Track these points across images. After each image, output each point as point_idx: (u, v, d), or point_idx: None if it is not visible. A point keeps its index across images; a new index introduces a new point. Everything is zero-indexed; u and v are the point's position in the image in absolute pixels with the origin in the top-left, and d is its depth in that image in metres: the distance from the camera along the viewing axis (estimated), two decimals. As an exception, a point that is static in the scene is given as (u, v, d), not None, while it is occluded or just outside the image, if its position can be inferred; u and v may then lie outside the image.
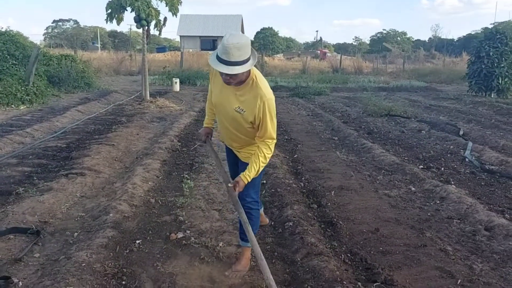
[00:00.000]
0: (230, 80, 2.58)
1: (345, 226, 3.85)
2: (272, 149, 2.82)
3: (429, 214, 4.26)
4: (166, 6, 11.53)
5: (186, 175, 5.33)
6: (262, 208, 3.67)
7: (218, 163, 3.24)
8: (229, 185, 2.82)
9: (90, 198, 4.60)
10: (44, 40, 65.70)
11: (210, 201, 4.50)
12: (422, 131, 8.60)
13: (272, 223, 3.95)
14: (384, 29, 78.46)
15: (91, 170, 5.52)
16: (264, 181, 5.19)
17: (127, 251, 3.30)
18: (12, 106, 10.94)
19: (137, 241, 3.46)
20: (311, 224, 3.82)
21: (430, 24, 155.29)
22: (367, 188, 5.07)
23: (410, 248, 3.49)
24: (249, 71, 2.63)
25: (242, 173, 2.78)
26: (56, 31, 69.12)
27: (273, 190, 4.78)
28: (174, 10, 11.64)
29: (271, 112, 2.71)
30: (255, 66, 2.67)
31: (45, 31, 70.65)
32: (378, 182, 5.34)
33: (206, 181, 5.21)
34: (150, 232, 3.70)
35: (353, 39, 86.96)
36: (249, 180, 2.77)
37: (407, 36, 76.45)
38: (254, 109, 2.67)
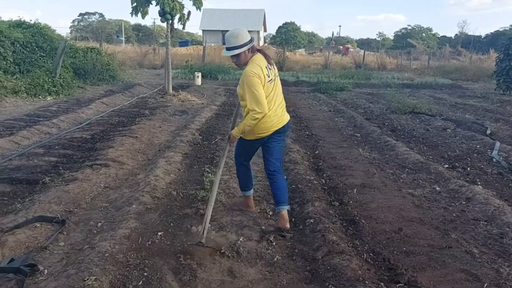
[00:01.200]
0: (236, 61, 3.54)
1: (367, 225, 3.79)
2: (255, 118, 3.40)
3: (454, 215, 4.16)
4: (190, 0, 11.57)
5: (207, 169, 5.35)
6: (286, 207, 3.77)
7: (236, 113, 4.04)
8: (226, 137, 3.79)
9: (113, 189, 4.67)
10: (71, 33, 66.99)
11: (230, 195, 4.51)
12: (448, 130, 8.40)
13: (293, 219, 3.93)
14: (408, 25, 76.85)
15: (115, 161, 5.60)
16: (285, 177, 5.16)
17: (149, 242, 3.34)
18: (40, 97, 11.20)
19: (159, 233, 3.49)
20: (332, 221, 3.78)
21: (456, 20, 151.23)
22: (390, 186, 4.99)
23: (434, 249, 3.41)
24: (248, 55, 3.49)
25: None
26: (82, 24, 70.46)
27: (293, 186, 4.75)
28: (198, 4, 11.66)
29: (248, 85, 3.37)
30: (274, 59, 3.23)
31: (72, 24, 72.15)
32: (401, 180, 5.24)
33: (226, 175, 5.22)
34: (171, 224, 3.73)
35: (377, 34, 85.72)
36: (235, 134, 3.59)
37: (433, 32, 74.83)
38: (242, 83, 3.44)
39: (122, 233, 3.33)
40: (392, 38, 79.17)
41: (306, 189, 4.57)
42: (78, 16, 71.46)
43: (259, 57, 3.52)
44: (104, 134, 7.38)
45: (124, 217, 3.71)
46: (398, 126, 8.82)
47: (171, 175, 5.08)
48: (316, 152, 6.57)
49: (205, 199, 4.32)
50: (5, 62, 11.39)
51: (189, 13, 11.95)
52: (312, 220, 3.73)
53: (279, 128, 3.62)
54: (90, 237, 3.42)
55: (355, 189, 4.77)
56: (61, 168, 5.25)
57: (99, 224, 3.71)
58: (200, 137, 7.35)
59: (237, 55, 3.45)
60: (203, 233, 3.20)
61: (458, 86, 19.70)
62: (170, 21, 11.75)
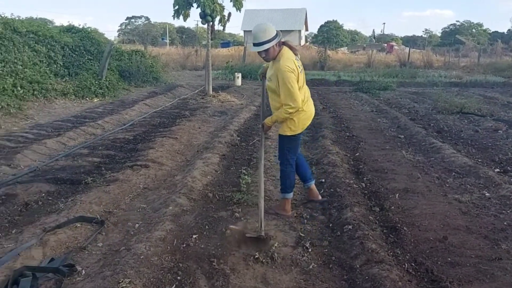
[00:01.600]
0: (265, 56, 3.61)
1: (409, 233, 3.60)
2: (289, 112, 3.59)
3: (505, 223, 3.87)
4: (231, 1, 11.64)
5: (244, 171, 5.31)
6: (313, 182, 4.32)
7: (263, 98, 4.11)
8: (259, 126, 3.91)
9: (152, 190, 4.74)
10: (118, 36, 69.68)
11: (266, 198, 4.43)
12: (499, 131, 7.90)
13: (330, 225, 3.81)
14: (457, 21, 73.87)
15: (155, 162, 5.70)
16: (323, 180, 5.05)
17: (184, 245, 3.33)
18: (87, 98, 11.67)
19: (194, 236, 3.49)
20: (372, 228, 3.62)
21: (509, 14, 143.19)
22: (435, 191, 4.73)
23: (482, 260, 3.18)
24: (277, 49, 3.59)
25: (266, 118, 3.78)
26: (129, 27, 73.04)
27: (332, 190, 4.61)
28: (238, 5, 11.71)
29: (284, 79, 3.50)
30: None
31: (119, 27, 74.99)
32: (447, 185, 4.96)
33: (263, 177, 5.16)
34: (206, 227, 3.72)
35: (423, 31, 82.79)
36: (269, 123, 3.74)
37: (483, 28, 71.28)
38: (275, 77, 3.56)
39: (157, 235, 3.35)
40: (439, 34, 76.19)
41: (345, 193, 4.42)
42: (126, 20, 74.22)
43: (286, 50, 3.65)
44: (146, 135, 7.54)
45: (160, 218, 3.74)
46: (444, 127, 8.40)
47: (208, 177, 5.09)
48: (357, 154, 6.38)
49: (241, 201, 4.29)
50: (55, 66, 11.95)
51: (229, 14, 12.04)
52: (350, 227, 3.59)
53: None
54: (127, 239, 3.47)
55: (397, 194, 4.56)
56: (103, 168, 5.40)
57: (137, 225, 3.76)
58: (238, 138, 7.35)
59: (266, 50, 3.52)
60: (261, 226, 3.37)
61: (511, 84, 18.57)
62: (211, 22, 11.88)
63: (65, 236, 3.40)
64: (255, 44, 3.52)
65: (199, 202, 4.29)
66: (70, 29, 14.32)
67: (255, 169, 5.52)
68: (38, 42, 11.59)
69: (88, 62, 13.26)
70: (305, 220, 3.90)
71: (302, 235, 3.58)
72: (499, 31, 73.72)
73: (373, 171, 5.49)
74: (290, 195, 4.04)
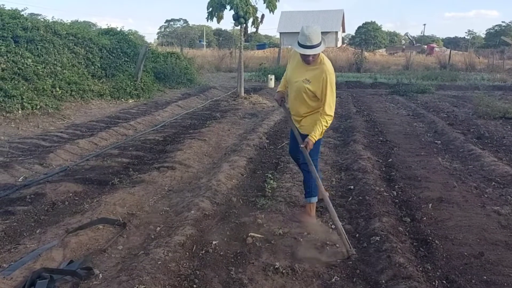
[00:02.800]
0: (310, 59, 3.49)
1: (441, 247, 3.37)
2: (328, 123, 3.55)
3: (550, 240, 3.56)
4: (264, 3, 11.56)
5: (270, 175, 5.20)
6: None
7: (290, 118, 3.97)
8: (301, 145, 3.60)
9: (176, 192, 4.72)
10: (158, 38, 71.40)
11: (291, 204, 4.31)
12: (547, 138, 7.38)
13: (357, 235, 3.63)
14: (503, 21, 70.63)
15: (182, 164, 5.69)
16: (352, 187, 4.86)
17: (203, 251, 3.26)
18: (122, 99, 11.93)
19: (214, 242, 3.41)
20: (401, 240, 3.42)
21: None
22: (473, 202, 4.43)
23: (523, 280, 2.92)
24: (319, 54, 3.52)
25: (309, 134, 3.55)
26: (168, 30, 74.70)
27: (360, 198, 4.42)
28: (271, 7, 11.63)
29: (331, 84, 3.50)
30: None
31: (159, 30, 76.85)
32: (486, 195, 4.65)
33: (289, 182, 5.03)
34: (227, 233, 3.63)
35: (466, 32, 79.65)
36: (315, 139, 3.54)
37: (531, 29, 67.79)
38: (319, 80, 3.50)
39: (177, 240, 3.29)
40: (483, 36, 73.15)
41: (374, 202, 4.22)
42: (165, 22, 75.98)
43: (323, 54, 3.64)
44: (176, 136, 7.58)
45: (182, 223, 3.69)
46: (485, 133, 7.94)
47: (233, 180, 5.02)
48: (389, 161, 6.12)
49: (265, 207, 4.19)
50: (93, 67, 12.28)
51: (262, 16, 11.98)
52: (378, 238, 3.40)
53: None
54: (147, 242, 3.44)
55: (431, 204, 4.30)
56: (131, 169, 5.45)
57: (158, 228, 3.73)
58: (267, 141, 7.25)
59: (316, 54, 3.46)
60: (350, 247, 3.21)
61: (562, 88, 17.45)
62: (244, 24, 11.85)
63: (87, 238, 3.41)
64: (307, 46, 3.39)
65: (222, 206, 4.22)
66: (108, 32, 14.69)
67: (282, 173, 5.41)
68: (77, 44, 11.95)
69: (124, 64, 13.56)
70: (330, 230, 3.74)
71: (328, 243, 3.43)
72: (550, 31, 69.92)
73: (405, 179, 5.24)
74: (316, 199, 3.88)
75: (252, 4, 11.57)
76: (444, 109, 11.32)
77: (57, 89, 9.87)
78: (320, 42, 3.43)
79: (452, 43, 62.04)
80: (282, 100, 4.07)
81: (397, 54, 43.65)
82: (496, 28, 69.82)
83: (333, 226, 3.68)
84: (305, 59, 3.51)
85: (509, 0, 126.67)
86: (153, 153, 6.43)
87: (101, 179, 5.01)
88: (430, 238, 3.49)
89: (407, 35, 66.42)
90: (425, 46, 49.54)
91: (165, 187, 4.84)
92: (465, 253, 3.28)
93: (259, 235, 3.51)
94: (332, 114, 3.54)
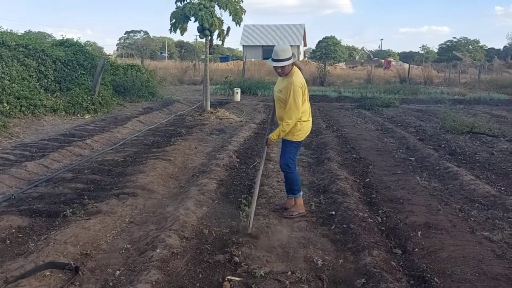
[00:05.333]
0: (279, 71, 4.17)
1: (442, 285, 3.02)
2: (290, 124, 4.13)
3: (549, 270, 3.31)
4: (230, 15, 11.19)
5: (244, 200, 4.75)
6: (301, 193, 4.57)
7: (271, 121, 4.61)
8: (264, 141, 4.39)
9: (138, 225, 4.16)
10: (117, 50, 69.64)
11: (270, 235, 3.87)
12: (517, 154, 7.38)
13: (347, 274, 3.22)
14: (454, 37, 74.24)
15: (144, 189, 5.14)
16: (333, 212, 4.49)
17: (172, 302, 2.75)
18: (78, 115, 11.13)
19: (184, 290, 2.90)
20: (396, 278, 3.05)
21: (504, 31, 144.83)
22: (461, 227, 4.17)
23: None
24: (290, 67, 4.15)
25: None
26: (128, 41, 73.05)
27: (344, 226, 4.04)
28: (237, 19, 11.26)
29: (294, 94, 4.06)
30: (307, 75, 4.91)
31: (118, 41, 75.03)
32: (472, 219, 4.40)
33: (266, 208, 4.61)
34: (200, 276, 3.14)
35: (420, 47, 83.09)
36: (273, 138, 4.23)
37: (480, 45, 71.73)
38: (287, 90, 4.08)
39: (140, 289, 2.77)
40: (436, 50, 76.54)
41: (360, 230, 3.86)
42: (124, 34, 74.28)
43: (297, 69, 4.24)
44: (137, 156, 6.98)
45: (145, 265, 3.16)
46: (457, 149, 7.87)
47: (204, 208, 4.52)
48: (367, 180, 5.83)
49: (241, 241, 3.71)
50: (46, 80, 11.43)
51: (228, 28, 11.58)
52: (371, 280, 3.00)
53: None
54: (104, 292, 2.89)
55: (419, 232, 3.99)
56: (86, 197, 4.82)
57: (117, 272, 3.18)
58: (238, 160, 6.79)
59: (283, 66, 4.10)
60: (249, 225, 3.80)
61: (516, 101, 18.17)
62: (209, 37, 11.42)
63: (29, 290, 2.81)
64: (275, 60, 4.08)
65: (193, 241, 3.71)
66: (63, 43, 13.85)
67: (257, 198, 4.96)
68: (28, 56, 11.09)
69: (81, 76, 12.75)
70: (318, 264, 3.31)
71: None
72: (495, 47, 74.29)
73: (387, 201, 4.93)
74: (301, 193, 4.51)
75: (218, 16, 11.18)
76: (411, 123, 11.32)
77: (5, 104, 9.04)
78: (288, 58, 4.06)
79: (407, 57, 64.38)
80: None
81: (356, 67, 44.71)
82: (448, 43, 73.39)
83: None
84: (276, 71, 4.22)
85: (458, 17, 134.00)
86: (112, 176, 5.81)
87: (50, 210, 4.37)
88: (428, 274, 3.13)
89: (363, 49, 68.49)
90: (383, 60, 51.03)
91: (125, 219, 4.27)
92: (468, 292, 2.95)
93: (237, 278, 3.05)
94: (292, 117, 4.10)
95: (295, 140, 4.31)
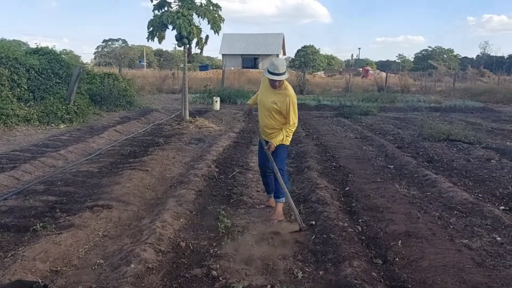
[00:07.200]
0: (277, 84, 4.35)
1: (423, 296, 2.99)
2: (292, 131, 4.49)
3: (528, 277, 3.32)
4: (208, 23, 11.13)
5: (223, 211, 4.65)
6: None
7: (258, 131, 4.81)
8: (265, 147, 4.46)
9: (113, 239, 4.01)
10: (95, 58, 68.66)
11: (248, 247, 3.77)
12: (492, 161, 7.50)
13: (327, 287, 3.15)
14: (429, 46, 76.15)
15: (120, 201, 4.97)
16: (313, 222, 4.43)
17: (146, 321, 2.63)
18: (52, 125, 10.83)
19: (160, 307, 2.78)
20: (378, 290, 3.00)
21: (478, 41, 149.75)
22: (440, 235, 4.17)
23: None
24: (283, 80, 4.39)
25: (272, 139, 4.43)
26: (105, 50, 72.12)
27: (325, 236, 3.98)
28: (216, 27, 11.21)
29: (294, 105, 4.38)
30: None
31: (96, 50, 74.01)
32: (452, 227, 4.41)
33: (244, 219, 4.53)
34: (176, 291, 3.01)
35: (397, 56, 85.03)
36: (277, 143, 4.39)
37: (454, 54, 73.78)
38: (284, 102, 4.36)
39: (113, 308, 2.63)
40: (412, 59, 78.28)
41: (340, 240, 3.81)
42: (102, 42, 73.32)
43: (286, 82, 4.47)
44: (113, 166, 6.80)
45: (119, 281, 3.02)
46: (434, 156, 7.96)
47: (181, 220, 4.39)
48: (347, 189, 5.81)
49: (220, 254, 3.60)
50: (19, 89, 11.07)
51: (207, 37, 11.52)
52: (352, 290, 2.94)
53: None
54: (74, 312, 2.74)
55: (400, 241, 3.96)
56: (58, 210, 4.63)
57: (89, 290, 3.02)
58: (217, 170, 6.68)
59: (281, 80, 4.33)
60: (301, 221, 4.10)
61: (490, 109, 18.67)
62: (188, 45, 11.32)
63: (-9, 312, 2.64)
64: (275, 74, 4.26)
65: (169, 255, 3.58)
66: (37, 51, 13.48)
67: (236, 208, 4.90)
68: (0, 65, 10.74)
69: (56, 85, 12.40)
70: (298, 276, 3.24)
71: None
72: (469, 56, 76.57)
73: (367, 210, 4.91)
74: (284, 199, 4.58)
75: (196, 24, 11.10)
76: (389, 131, 11.44)
77: (-26, 114, 8.68)
78: (285, 72, 4.31)
79: (385, 66, 65.66)
80: (250, 111, 5.09)
81: (335, 76, 45.29)
82: (423, 52, 75.18)
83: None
84: (273, 84, 4.36)
85: (433, 27, 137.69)
86: (86, 188, 5.62)
87: (20, 225, 4.17)
88: (409, 285, 3.10)
89: (351, 57, 69.34)
90: (361, 69, 51.87)
91: (99, 232, 4.11)
92: (450, 303, 2.91)
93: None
94: (295, 125, 4.45)
95: (287, 144, 4.57)
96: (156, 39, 11.17)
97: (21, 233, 4.01)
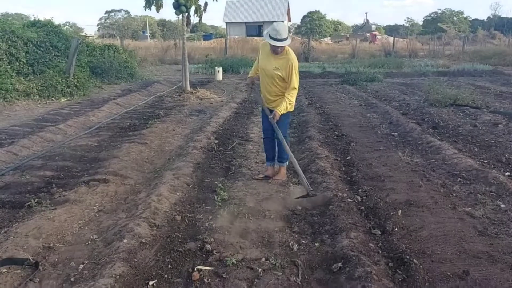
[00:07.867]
0: (278, 50, 4.22)
1: (421, 266, 2.90)
2: (294, 96, 4.38)
3: (531, 245, 3.22)
4: (207, -11, 10.77)
5: (220, 184, 4.57)
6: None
7: (260, 99, 4.73)
8: (270, 117, 4.42)
9: (108, 213, 3.96)
10: (98, 30, 67.75)
11: (244, 220, 3.71)
12: (499, 125, 7.30)
13: (324, 258, 3.08)
14: (438, 9, 74.03)
15: (117, 175, 4.91)
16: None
17: (137, 297, 2.59)
18: (53, 99, 10.74)
19: (151, 282, 2.73)
20: (374, 261, 2.92)
21: (488, 2, 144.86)
22: (442, 203, 4.06)
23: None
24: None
25: (276, 108, 4.37)
26: (108, 21, 71.03)
27: (323, 207, 3.90)
28: (215, -7, 10.85)
29: (296, 70, 4.28)
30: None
31: (99, 21, 72.93)
32: (454, 195, 4.30)
33: (242, 191, 4.44)
34: (169, 266, 2.97)
35: (405, 20, 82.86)
36: (281, 111, 4.33)
37: (464, 16, 71.66)
38: (286, 67, 4.26)
39: (102, 284, 2.59)
40: (421, 23, 76.24)
41: (338, 211, 3.72)
42: (105, 14, 72.15)
43: (288, 47, 4.33)
44: (112, 140, 6.73)
45: (111, 257, 2.97)
46: (440, 122, 7.76)
47: (177, 193, 4.33)
48: (348, 158, 5.68)
49: (215, 228, 3.54)
50: (17, 63, 10.91)
51: (205, 4, 11.17)
52: (348, 263, 2.86)
53: None
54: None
55: (400, 210, 3.87)
56: (54, 185, 4.59)
57: (81, 266, 2.99)
58: (216, 141, 6.57)
59: (283, 46, 4.19)
60: (309, 185, 4.07)
61: (499, 72, 18.17)
62: (186, 13, 11.00)
63: (-19, 290, 2.62)
64: (277, 39, 4.10)
65: (164, 229, 3.53)
66: (34, 24, 13.22)
67: (233, 180, 4.81)
68: (-3, 38, 10.56)
69: (55, 58, 12.21)
70: (293, 248, 3.17)
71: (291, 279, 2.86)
72: (479, 18, 74.37)
73: (368, 179, 4.80)
74: (287, 162, 4.74)
75: (194, -9, 10.74)
76: (395, 97, 11.19)
77: (-28, 89, 8.59)
78: (287, 37, 4.14)
79: (392, 30, 64.10)
80: (253, 83, 4.92)
81: (342, 42, 44.26)
82: (432, 15, 73.06)
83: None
84: (275, 50, 4.23)
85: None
86: (84, 162, 5.56)
87: (15, 201, 4.13)
88: (407, 256, 3.01)
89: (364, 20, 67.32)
90: (368, 34, 50.62)
91: (94, 207, 4.06)
92: (448, 273, 2.82)
93: (208, 268, 2.88)
94: (295, 90, 4.34)
95: (291, 111, 4.54)
96: (153, 7, 10.88)
97: (15, 209, 3.98)
